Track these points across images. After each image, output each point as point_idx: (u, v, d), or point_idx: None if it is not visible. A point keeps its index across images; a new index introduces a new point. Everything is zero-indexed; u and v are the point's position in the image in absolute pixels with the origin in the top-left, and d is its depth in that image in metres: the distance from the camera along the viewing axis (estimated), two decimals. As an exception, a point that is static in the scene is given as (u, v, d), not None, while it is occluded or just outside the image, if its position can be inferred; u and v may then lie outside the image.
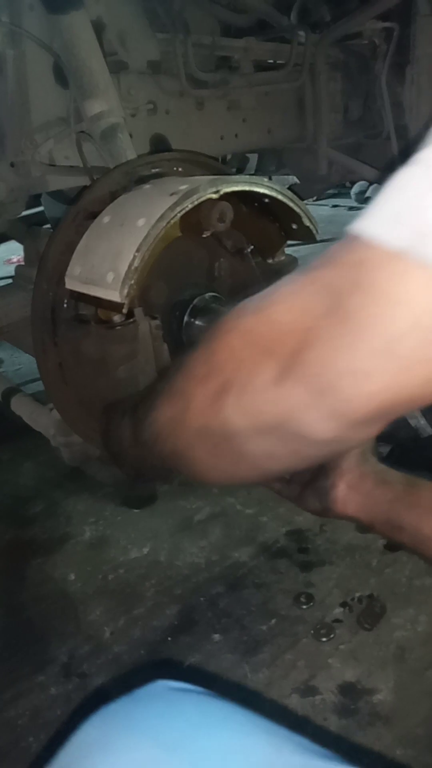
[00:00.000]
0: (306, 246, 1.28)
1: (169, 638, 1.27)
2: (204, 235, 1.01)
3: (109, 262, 0.93)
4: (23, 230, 1.70)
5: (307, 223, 1.11)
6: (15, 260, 3.78)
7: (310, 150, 2.01)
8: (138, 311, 0.99)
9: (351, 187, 5.44)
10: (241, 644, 1.24)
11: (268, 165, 2.40)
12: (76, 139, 1.23)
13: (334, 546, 1.47)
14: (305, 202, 1.13)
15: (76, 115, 1.27)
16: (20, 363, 2.56)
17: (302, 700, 1.12)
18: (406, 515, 0.70)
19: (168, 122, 1.55)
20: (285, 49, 1.78)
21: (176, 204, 0.91)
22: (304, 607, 1.31)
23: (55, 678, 1.21)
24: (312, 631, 1.25)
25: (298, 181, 2.28)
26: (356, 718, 1.09)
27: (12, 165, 1.32)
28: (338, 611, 1.29)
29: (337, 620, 1.27)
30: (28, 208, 1.83)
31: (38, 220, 2.25)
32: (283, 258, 1.23)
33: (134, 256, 0.89)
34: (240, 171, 2.31)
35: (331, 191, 5.38)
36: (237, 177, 1.04)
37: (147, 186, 1.05)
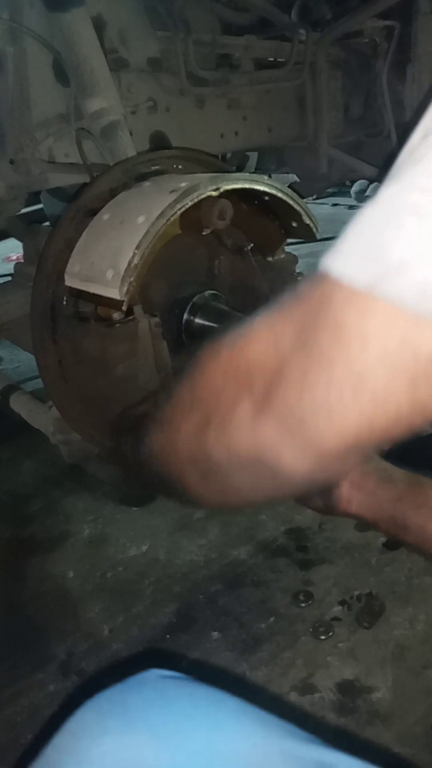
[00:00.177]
0: (306, 244, 1.28)
1: (168, 636, 1.27)
2: (204, 233, 1.01)
3: (109, 259, 0.93)
4: (23, 228, 1.70)
5: (307, 221, 1.11)
6: (14, 258, 3.79)
7: (310, 148, 2.00)
8: (137, 309, 0.99)
9: (351, 186, 5.44)
10: (239, 642, 1.24)
11: (268, 163, 2.40)
12: (76, 136, 1.23)
13: (334, 544, 1.47)
14: (305, 200, 1.13)
15: (77, 112, 1.27)
16: (19, 361, 2.55)
17: (301, 698, 1.12)
18: (410, 514, 0.70)
19: (168, 120, 1.55)
20: (286, 47, 1.78)
21: (176, 201, 0.91)
22: (303, 605, 1.31)
23: (54, 675, 1.21)
24: (311, 630, 1.25)
25: (298, 180, 2.27)
26: (355, 717, 1.09)
27: (12, 162, 1.32)
28: (337, 609, 1.30)
29: (336, 618, 1.27)
30: (27, 205, 1.83)
31: (38, 217, 2.25)
32: (283, 256, 1.23)
33: (134, 254, 0.89)
34: (240, 169, 2.31)
35: (331, 190, 5.39)
36: (237, 175, 1.04)
37: (147, 183, 1.05)
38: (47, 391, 1.13)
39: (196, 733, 0.53)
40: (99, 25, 1.29)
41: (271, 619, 1.29)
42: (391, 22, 1.96)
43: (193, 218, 0.97)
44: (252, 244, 1.20)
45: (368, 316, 0.37)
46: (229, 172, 1.18)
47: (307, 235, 1.13)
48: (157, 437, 0.57)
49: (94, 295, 0.96)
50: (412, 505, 0.70)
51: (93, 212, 1.03)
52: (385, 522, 0.73)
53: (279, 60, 1.82)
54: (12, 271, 1.53)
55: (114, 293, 0.91)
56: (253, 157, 2.43)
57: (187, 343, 1.17)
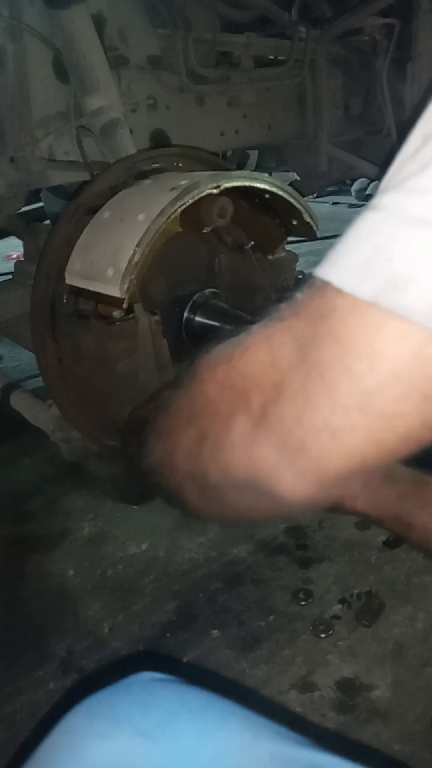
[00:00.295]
0: (307, 242, 1.28)
1: (168, 634, 1.27)
2: (204, 231, 1.01)
3: (109, 257, 0.93)
4: (23, 226, 1.70)
5: (307, 219, 1.10)
6: (14, 256, 3.78)
7: (310, 146, 2.00)
8: (138, 307, 0.99)
9: (352, 184, 5.44)
10: (239, 640, 1.24)
11: (268, 161, 2.40)
12: (76, 134, 1.23)
13: (333, 543, 1.47)
14: (306, 198, 1.13)
15: (76, 110, 1.27)
16: (20, 359, 2.55)
17: (300, 696, 1.13)
18: (415, 513, 0.70)
19: (168, 118, 1.55)
20: (286, 45, 1.78)
21: (176, 199, 0.91)
22: (303, 603, 1.31)
23: (54, 673, 1.21)
24: (310, 628, 1.25)
25: (298, 178, 2.27)
26: (354, 715, 1.09)
27: (12, 160, 1.32)
28: (337, 608, 1.30)
29: (335, 617, 1.27)
30: (27, 203, 1.83)
31: (38, 215, 2.24)
32: (283, 254, 1.23)
33: (134, 252, 0.89)
34: (240, 167, 2.30)
35: (331, 188, 5.39)
36: (237, 172, 1.04)
37: (147, 181, 1.04)
38: (47, 389, 1.13)
39: (186, 735, 0.53)
40: (99, 23, 1.29)
41: (271, 617, 1.29)
42: (392, 20, 1.96)
43: (193, 216, 0.97)
44: (252, 242, 1.20)
45: (376, 329, 0.35)
46: (229, 170, 1.18)
47: (307, 233, 1.13)
48: (157, 446, 0.56)
49: (94, 293, 0.96)
50: (416, 503, 0.71)
51: (93, 210, 1.03)
52: (390, 520, 0.73)
53: (279, 58, 1.82)
54: (12, 269, 1.53)
55: (114, 291, 0.91)
56: (254, 155, 2.43)
57: (187, 341, 1.17)
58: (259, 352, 0.41)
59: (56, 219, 1.10)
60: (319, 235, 1.13)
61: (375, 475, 0.74)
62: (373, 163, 2.04)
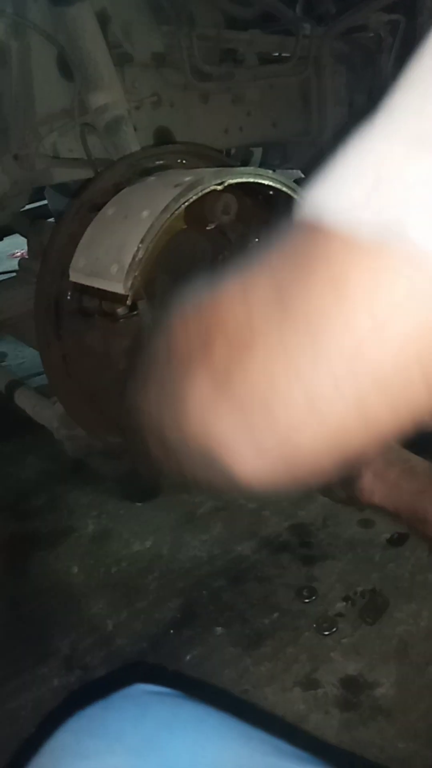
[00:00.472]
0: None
1: (172, 631, 1.27)
2: (208, 228, 1.01)
3: (113, 254, 0.93)
4: (27, 223, 1.70)
5: (311, 216, 1.10)
6: (19, 254, 3.79)
7: (314, 144, 2.00)
8: (142, 304, 0.99)
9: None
10: (243, 638, 1.24)
11: (272, 159, 2.39)
12: (80, 131, 1.23)
13: (337, 540, 1.46)
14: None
15: (80, 107, 1.27)
16: (24, 356, 2.56)
17: (304, 693, 1.13)
18: (431, 509, 0.69)
19: (172, 115, 1.55)
20: (290, 42, 1.77)
21: (180, 195, 0.91)
22: (307, 601, 1.31)
23: (58, 670, 1.21)
24: (314, 625, 1.25)
25: (303, 176, 2.27)
26: (358, 712, 1.09)
27: (16, 157, 1.32)
28: (340, 605, 1.29)
29: (339, 614, 1.27)
30: (31, 201, 1.83)
31: (42, 213, 2.25)
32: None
33: (138, 248, 0.89)
34: (244, 164, 2.30)
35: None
36: (242, 169, 1.04)
37: (151, 178, 1.04)
38: (51, 386, 1.14)
39: (179, 752, 0.51)
40: (103, 20, 1.29)
41: (275, 614, 1.29)
42: (396, 16, 1.95)
43: (197, 213, 0.97)
44: (257, 239, 1.20)
45: (375, 270, 0.28)
46: (233, 167, 1.17)
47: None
48: (133, 393, 0.47)
49: (98, 290, 0.96)
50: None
51: (97, 207, 1.03)
52: (406, 515, 0.72)
53: (283, 55, 1.82)
54: (16, 267, 1.53)
55: (118, 288, 0.91)
56: (258, 152, 2.42)
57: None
58: (232, 297, 0.34)
59: (60, 216, 1.10)
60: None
61: (393, 469, 0.73)
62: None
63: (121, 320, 0.99)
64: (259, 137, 1.89)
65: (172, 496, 1.64)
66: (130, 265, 0.90)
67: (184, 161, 1.17)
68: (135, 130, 1.27)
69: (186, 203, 0.92)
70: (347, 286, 0.29)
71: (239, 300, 0.33)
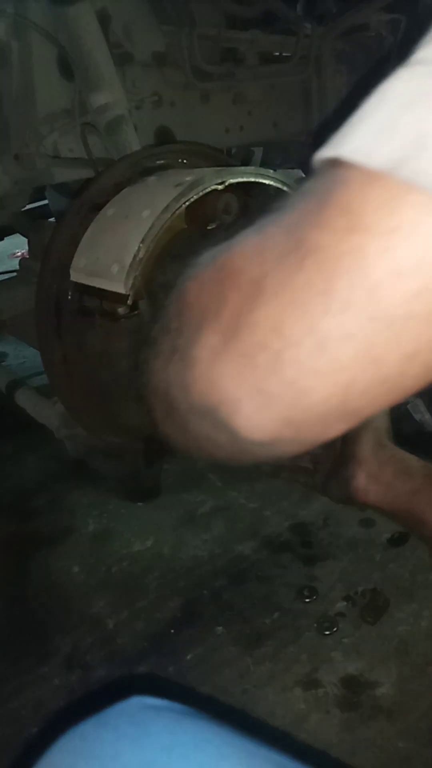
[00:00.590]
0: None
1: (172, 630, 1.27)
2: (209, 227, 1.01)
3: (114, 253, 0.93)
4: (27, 223, 1.70)
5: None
6: (19, 254, 3.79)
7: (315, 143, 2.00)
8: (143, 303, 0.99)
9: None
10: (243, 637, 1.24)
11: (273, 158, 2.39)
12: (80, 131, 1.23)
13: (338, 540, 1.46)
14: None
15: (81, 107, 1.27)
16: (24, 356, 2.56)
17: (305, 693, 1.13)
18: (427, 509, 0.69)
19: (173, 114, 1.55)
20: (291, 41, 1.77)
21: (181, 195, 0.91)
22: (307, 600, 1.31)
23: (58, 669, 1.21)
24: (315, 625, 1.25)
25: (303, 175, 2.26)
26: (359, 712, 1.09)
27: (16, 157, 1.32)
28: (341, 605, 1.29)
29: (340, 614, 1.27)
30: (32, 201, 1.83)
31: (42, 213, 2.25)
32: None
33: (139, 248, 0.89)
34: (245, 164, 2.30)
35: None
36: (243, 168, 1.04)
37: (152, 178, 1.04)
38: (52, 386, 1.14)
39: None
40: (104, 19, 1.29)
41: (276, 614, 1.29)
42: (398, 16, 1.95)
43: (198, 212, 0.97)
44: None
45: (396, 204, 0.26)
46: (234, 166, 1.17)
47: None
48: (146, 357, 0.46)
49: (99, 289, 0.96)
50: (429, 499, 0.69)
51: (98, 207, 1.03)
52: (402, 515, 0.72)
53: (284, 54, 1.82)
54: (17, 266, 1.53)
55: (119, 287, 0.91)
56: (258, 151, 2.42)
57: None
58: (246, 246, 0.33)
59: (61, 216, 1.10)
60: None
61: (388, 469, 0.73)
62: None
63: (122, 320, 0.99)
64: (259, 136, 1.89)
65: (173, 495, 1.64)
66: (131, 264, 0.90)
67: (184, 161, 1.17)
68: (136, 129, 1.27)
69: (187, 203, 0.92)
70: (367, 226, 0.27)
71: (254, 250, 0.32)
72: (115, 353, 1.02)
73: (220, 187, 0.96)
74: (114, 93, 1.23)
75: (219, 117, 1.70)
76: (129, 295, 0.91)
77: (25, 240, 1.66)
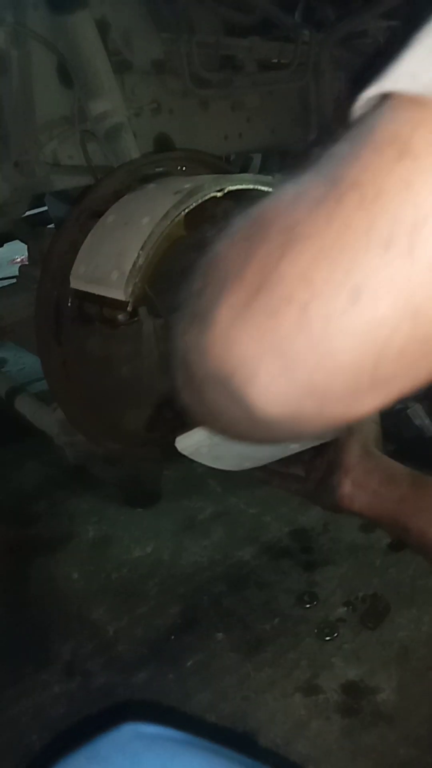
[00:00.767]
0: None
1: (172, 637, 1.27)
2: (208, 234, 1.01)
3: (114, 260, 0.93)
4: (27, 230, 1.71)
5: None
6: (19, 260, 3.79)
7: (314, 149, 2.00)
8: (142, 310, 0.99)
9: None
10: (244, 643, 1.24)
11: (272, 165, 2.40)
12: (80, 138, 1.23)
13: (338, 545, 1.46)
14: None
15: (80, 114, 1.27)
16: (24, 363, 2.56)
17: (305, 699, 1.12)
18: (411, 518, 0.69)
19: (172, 122, 1.55)
20: (289, 48, 1.78)
21: (180, 202, 0.92)
22: (308, 606, 1.31)
23: (58, 676, 1.21)
24: (315, 631, 1.25)
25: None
26: (359, 718, 1.09)
27: (16, 165, 1.32)
28: (341, 611, 1.29)
29: (340, 620, 1.27)
30: (31, 208, 1.83)
31: (42, 220, 2.25)
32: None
33: (138, 255, 0.89)
34: (244, 171, 2.31)
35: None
36: (241, 175, 1.04)
37: (151, 185, 1.05)
38: (52, 392, 1.14)
39: None
40: (103, 27, 1.29)
41: (276, 620, 1.29)
42: (396, 23, 1.96)
43: (198, 219, 0.97)
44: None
45: None
46: (233, 173, 1.18)
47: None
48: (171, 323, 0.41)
49: (98, 296, 0.96)
50: (414, 508, 0.69)
51: (97, 214, 1.03)
52: (388, 522, 0.72)
53: (282, 61, 1.82)
54: (17, 273, 1.53)
55: (119, 294, 0.91)
56: (257, 158, 2.43)
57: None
58: (281, 196, 0.30)
59: (60, 223, 1.11)
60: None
61: (374, 477, 0.73)
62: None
63: (122, 326, 1.00)
64: (258, 143, 1.89)
65: (173, 501, 1.64)
66: (131, 271, 0.90)
67: (184, 168, 1.17)
68: (135, 137, 1.28)
69: (186, 210, 0.93)
70: (416, 153, 0.24)
71: (288, 199, 0.29)
72: (115, 360, 1.02)
73: (219, 194, 0.96)
74: (113, 100, 1.23)
75: (218, 124, 1.71)
76: (129, 302, 0.91)
77: (25, 246, 1.66)
